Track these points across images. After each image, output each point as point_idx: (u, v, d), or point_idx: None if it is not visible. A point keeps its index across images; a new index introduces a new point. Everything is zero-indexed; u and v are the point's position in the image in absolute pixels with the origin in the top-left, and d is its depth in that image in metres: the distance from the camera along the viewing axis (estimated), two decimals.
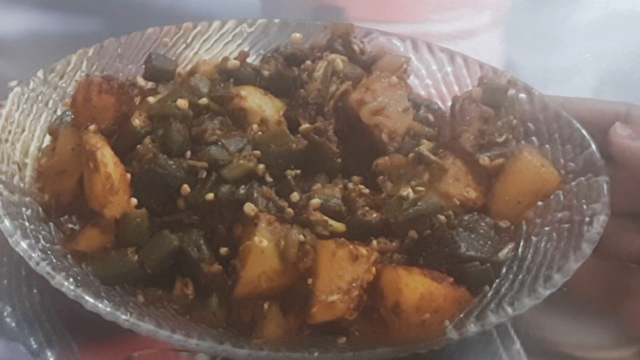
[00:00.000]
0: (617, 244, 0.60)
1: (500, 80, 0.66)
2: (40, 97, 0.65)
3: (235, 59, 0.65)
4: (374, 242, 0.54)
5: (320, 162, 0.58)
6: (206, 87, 0.62)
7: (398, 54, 0.70)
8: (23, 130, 0.63)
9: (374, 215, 0.55)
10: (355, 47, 0.68)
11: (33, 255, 0.53)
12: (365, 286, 0.52)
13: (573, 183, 0.59)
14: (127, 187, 0.57)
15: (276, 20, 0.73)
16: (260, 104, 0.61)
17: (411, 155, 0.59)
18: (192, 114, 0.59)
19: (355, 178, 0.59)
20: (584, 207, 0.57)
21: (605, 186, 0.57)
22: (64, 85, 0.67)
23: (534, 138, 0.63)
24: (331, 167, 0.59)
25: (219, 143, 0.58)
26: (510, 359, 0.61)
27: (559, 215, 0.59)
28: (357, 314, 0.52)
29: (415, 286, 0.50)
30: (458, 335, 0.51)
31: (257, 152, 0.57)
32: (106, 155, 0.56)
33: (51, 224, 0.59)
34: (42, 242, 0.56)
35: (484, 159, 0.59)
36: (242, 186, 0.56)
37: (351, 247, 0.51)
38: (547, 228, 0.59)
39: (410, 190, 0.56)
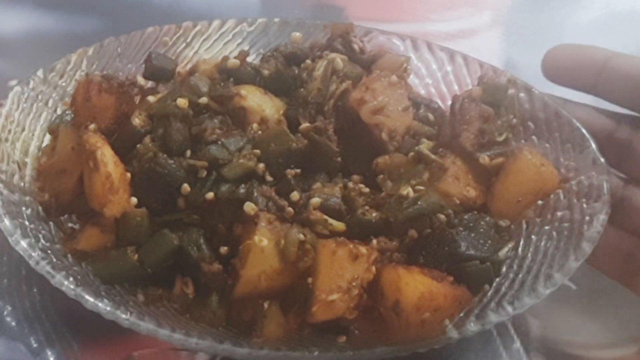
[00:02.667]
0: (637, 214, 0.59)
1: (500, 80, 0.66)
2: (40, 97, 0.65)
3: (235, 58, 0.65)
4: (374, 241, 0.54)
5: (320, 161, 0.58)
6: (206, 87, 0.62)
7: (398, 53, 0.70)
8: (23, 130, 0.63)
9: (374, 214, 0.55)
10: (355, 46, 0.67)
11: (33, 254, 0.53)
12: (365, 285, 0.52)
13: (573, 182, 0.59)
14: (127, 187, 0.57)
15: (276, 20, 0.73)
16: (260, 103, 0.61)
17: (411, 154, 0.59)
18: (192, 113, 0.59)
19: (355, 177, 0.59)
20: (584, 206, 0.57)
21: (605, 185, 0.57)
22: (63, 84, 0.66)
23: (533, 137, 0.63)
24: (331, 166, 0.59)
25: (219, 142, 0.58)
26: (510, 358, 0.61)
27: (559, 214, 0.59)
28: (357, 313, 0.52)
29: (415, 285, 0.50)
30: (458, 335, 0.51)
31: (257, 151, 0.57)
32: (106, 155, 0.56)
33: (51, 223, 0.59)
34: (42, 241, 0.56)
35: (484, 158, 0.59)
36: (242, 185, 0.56)
37: (351, 246, 0.51)
38: (547, 227, 0.59)
39: (410, 189, 0.56)
